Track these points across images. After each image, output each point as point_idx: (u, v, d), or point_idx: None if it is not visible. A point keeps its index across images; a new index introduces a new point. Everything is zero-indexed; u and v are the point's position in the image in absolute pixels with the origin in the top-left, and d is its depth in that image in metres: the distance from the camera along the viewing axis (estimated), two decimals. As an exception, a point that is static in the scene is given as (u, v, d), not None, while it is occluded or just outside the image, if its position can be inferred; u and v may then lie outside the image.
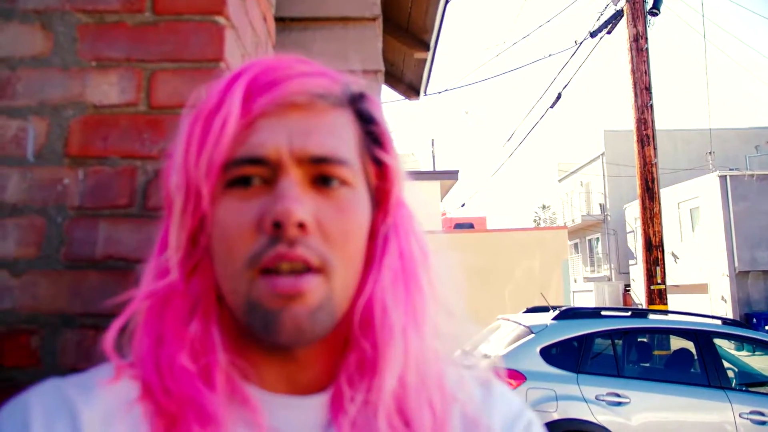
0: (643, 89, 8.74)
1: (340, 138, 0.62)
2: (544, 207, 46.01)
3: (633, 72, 8.81)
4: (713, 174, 25.04)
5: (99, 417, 0.58)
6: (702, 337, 5.23)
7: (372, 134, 0.67)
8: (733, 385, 5.11)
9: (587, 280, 33.44)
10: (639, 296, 26.23)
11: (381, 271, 0.65)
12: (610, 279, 31.62)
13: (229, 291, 0.60)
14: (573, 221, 33.14)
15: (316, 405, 0.64)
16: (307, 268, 0.57)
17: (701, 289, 25.20)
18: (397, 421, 0.62)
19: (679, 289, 24.76)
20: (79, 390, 0.60)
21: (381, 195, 0.67)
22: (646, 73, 8.80)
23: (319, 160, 0.60)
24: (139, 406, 0.59)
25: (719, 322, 5.66)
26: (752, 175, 24.22)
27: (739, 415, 4.73)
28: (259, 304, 0.58)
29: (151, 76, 0.99)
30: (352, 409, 0.62)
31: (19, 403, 0.59)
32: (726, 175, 24.48)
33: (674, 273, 23.34)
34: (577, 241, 35.31)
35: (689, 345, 5.40)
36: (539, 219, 45.79)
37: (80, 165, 0.96)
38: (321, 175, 0.60)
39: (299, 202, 0.57)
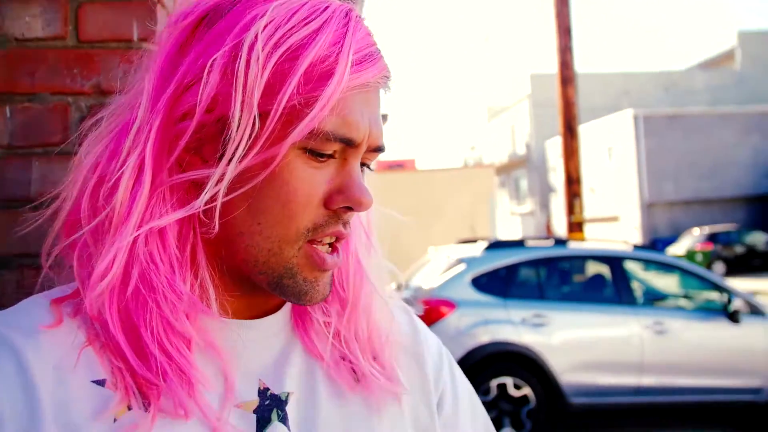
0: (564, 32, 9.17)
1: None
2: (472, 149, 46.96)
3: (557, 15, 9.20)
4: (627, 113, 26.17)
5: (50, 364, 0.54)
6: (615, 262, 5.83)
7: None
8: (639, 302, 5.78)
9: (513, 214, 34.77)
10: (559, 228, 27.63)
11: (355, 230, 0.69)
12: (533, 213, 33.01)
13: (265, 253, 0.57)
14: (499, 160, 34.07)
15: (279, 317, 0.67)
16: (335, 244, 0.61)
17: (614, 219, 26.75)
18: (361, 351, 0.68)
19: (596, 220, 26.17)
20: (20, 333, 0.55)
21: None
22: (567, 16, 9.21)
23: (378, 150, 0.62)
24: (91, 348, 0.56)
25: (630, 247, 6.30)
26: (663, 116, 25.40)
27: (644, 327, 5.40)
28: (298, 272, 0.59)
29: (79, 8, 0.92)
30: (318, 326, 0.68)
31: None
32: (638, 115, 25.68)
33: (591, 206, 24.68)
34: (504, 178, 36.47)
35: (604, 269, 6.00)
36: (468, 160, 46.77)
37: (6, 102, 0.91)
38: (367, 161, 0.63)
39: (369, 192, 0.59)
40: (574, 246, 6.25)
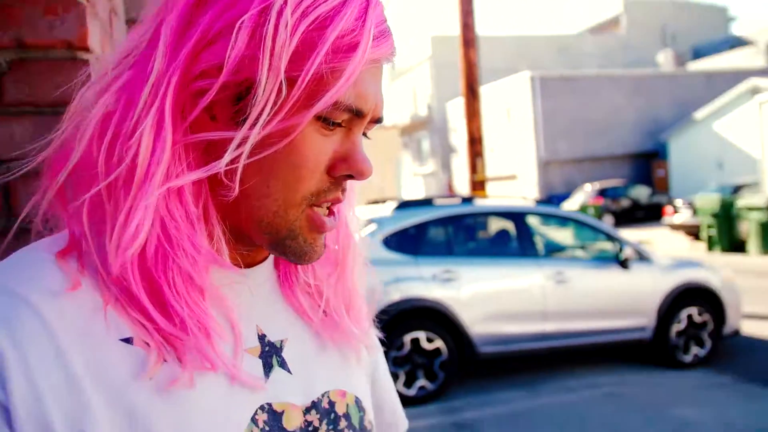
0: (466, -6, 9.29)
1: None
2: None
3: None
4: (525, 75, 27.03)
5: (77, 328, 0.52)
6: (518, 217, 6.11)
7: None
8: (541, 254, 6.11)
9: (416, 174, 35.37)
10: (461, 188, 28.45)
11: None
12: (435, 173, 33.74)
13: (272, 215, 0.59)
14: (402, 122, 34.37)
15: (264, 269, 0.69)
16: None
17: (513, 178, 27.84)
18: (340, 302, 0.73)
19: (496, 179, 27.11)
20: (41, 296, 0.52)
21: None
22: (469, -22, 9.32)
23: (378, 121, 0.65)
24: (110, 307, 0.54)
25: (532, 203, 6.61)
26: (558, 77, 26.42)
27: (546, 277, 5.73)
28: (300, 234, 0.60)
29: None
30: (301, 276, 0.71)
31: None
32: (535, 77, 26.62)
33: (491, 165, 25.51)
34: (407, 139, 36.87)
35: (508, 224, 6.28)
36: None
37: None
38: (367, 131, 0.65)
39: (370, 162, 0.62)
40: (480, 203, 6.46)
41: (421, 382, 5.33)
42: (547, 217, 6.73)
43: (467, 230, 6.57)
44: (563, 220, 6.83)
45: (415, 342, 5.32)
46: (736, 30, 41.87)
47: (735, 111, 21.87)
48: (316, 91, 0.55)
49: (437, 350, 5.36)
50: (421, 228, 5.79)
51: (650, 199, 22.44)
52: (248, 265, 0.66)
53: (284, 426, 0.62)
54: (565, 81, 27.09)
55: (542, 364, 6.13)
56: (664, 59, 32.08)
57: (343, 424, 0.68)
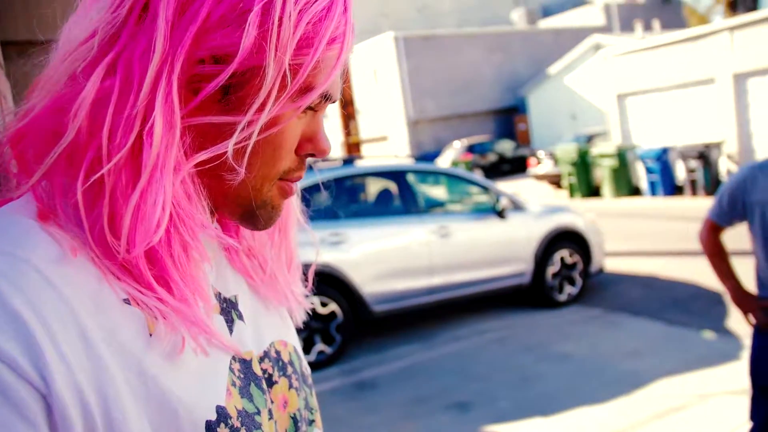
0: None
1: None
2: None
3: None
4: (388, 35, 27.21)
5: (83, 296, 0.51)
6: (400, 176, 6.18)
7: None
8: (424, 210, 6.25)
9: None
10: (335, 151, 28.41)
11: None
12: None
13: (249, 188, 0.62)
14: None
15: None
16: None
17: (384, 139, 28.23)
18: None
19: (367, 140, 27.34)
20: (44, 261, 0.50)
21: None
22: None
23: (334, 102, 0.69)
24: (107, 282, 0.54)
25: (412, 161, 6.72)
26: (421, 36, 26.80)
27: (430, 232, 5.87)
28: (270, 202, 0.65)
29: None
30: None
31: (2, 314, 0.46)
32: (398, 37, 26.88)
33: (362, 127, 25.70)
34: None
35: (390, 184, 6.34)
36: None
37: None
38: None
39: (330, 141, 0.68)
40: (361, 164, 6.47)
41: (320, 346, 5.32)
42: (425, 174, 6.88)
43: (350, 192, 6.57)
44: (439, 176, 7.02)
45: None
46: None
47: (582, 66, 23.51)
48: (306, 80, 0.59)
49: (332, 314, 5.36)
50: (305, 192, 5.62)
51: (515, 152, 23.73)
52: None
53: (254, 371, 0.67)
54: (427, 40, 27.63)
55: (434, 316, 6.34)
56: (518, 17, 33.62)
57: (290, 370, 0.75)
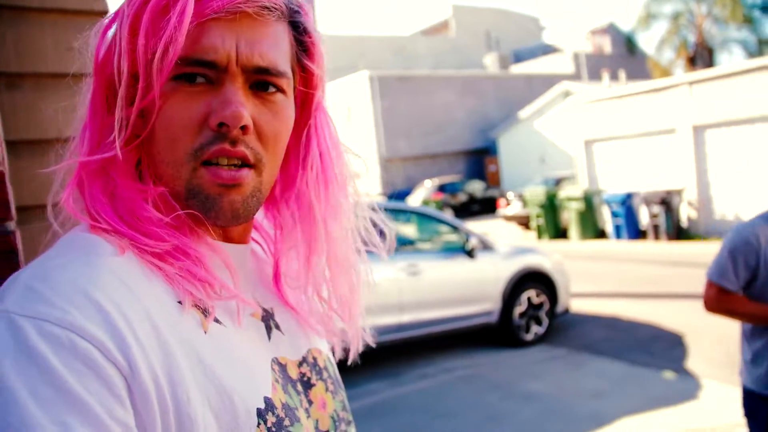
0: (310, -8, 9.35)
1: (280, 50, 0.68)
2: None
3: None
4: (364, 74, 27.63)
5: (144, 288, 0.59)
6: (372, 213, 6.29)
7: (303, 44, 0.73)
8: (393, 248, 6.32)
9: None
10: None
11: (305, 169, 0.78)
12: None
13: (170, 176, 0.64)
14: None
15: (247, 247, 0.76)
16: (244, 164, 0.65)
17: (356, 176, 28.25)
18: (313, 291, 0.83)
19: (340, 178, 27.26)
20: (122, 268, 0.59)
21: (304, 99, 0.77)
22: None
23: (262, 71, 0.65)
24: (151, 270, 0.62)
25: (384, 199, 6.82)
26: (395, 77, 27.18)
27: (400, 270, 5.95)
28: (200, 191, 0.64)
29: None
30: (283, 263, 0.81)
31: (89, 307, 0.53)
32: (373, 76, 27.33)
33: (335, 164, 25.70)
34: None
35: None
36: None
37: None
38: (261, 81, 0.66)
39: (244, 108, 0.63)
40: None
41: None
42: (396, 213, 7.00)
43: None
44: (410, 215, 7.15)
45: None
46: (547, 38, 46.24)
47: (551, 111, 24.17)
48: (153, 53, 0.61)
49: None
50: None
51: (485, 193, 24.10)
52: (230, 241, 0.73)
53: (289, 375, 0.74)
54: (401, 80, 28.14)
55: (402, 354, 6.38)
56: (491, 62, 34.53)
57: (325, 375, 0.81)
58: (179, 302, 0.61)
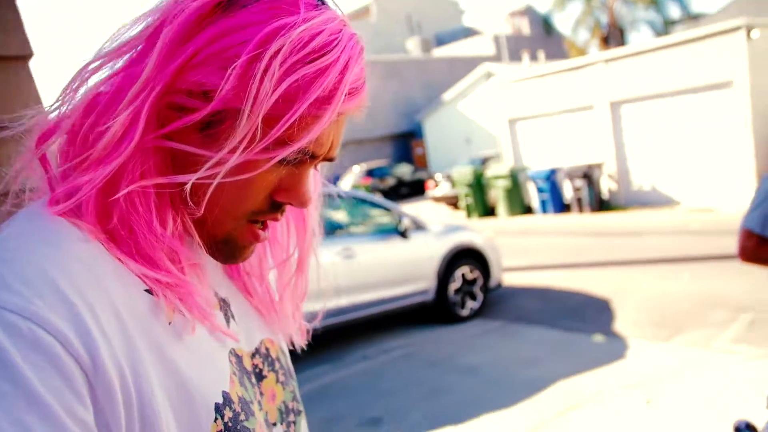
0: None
1: None
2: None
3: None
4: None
5: (111, 277, 0.57)
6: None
7: None
8: (328, 232, 6.30)
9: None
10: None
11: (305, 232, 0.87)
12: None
13: (215, 221, 0.65)
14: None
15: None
16: None
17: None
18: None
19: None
20: (89, 255, 0.56)
21: None
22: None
23: (330, 160, 0.70)
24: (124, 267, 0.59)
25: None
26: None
27: (335, 254, 5.92)
28: (236, 242, 0.67)
29: None
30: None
31: (53, 295, 0.50)
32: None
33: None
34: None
35: (294, 206, 6.33)
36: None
37: None
38: (315, 167, 0.70)
39: (311, 195, 0.68)
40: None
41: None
42: (326, 198, 6.92)
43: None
44: (341, 200, 7.09)
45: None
46: (467, 21, 47.00)
47: (474, 92, 24.61)
48: (285, 134, 0.59)
49: (238, 339, 5.25)
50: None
51: (413, 176, 24.32)
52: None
53: (245, 367, 0.73)
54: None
55: (343, 337, 6.36)
56: (413, 46, 34.74)
57: (277, 365, 0.81)
58: (146, 290, 0.59)
